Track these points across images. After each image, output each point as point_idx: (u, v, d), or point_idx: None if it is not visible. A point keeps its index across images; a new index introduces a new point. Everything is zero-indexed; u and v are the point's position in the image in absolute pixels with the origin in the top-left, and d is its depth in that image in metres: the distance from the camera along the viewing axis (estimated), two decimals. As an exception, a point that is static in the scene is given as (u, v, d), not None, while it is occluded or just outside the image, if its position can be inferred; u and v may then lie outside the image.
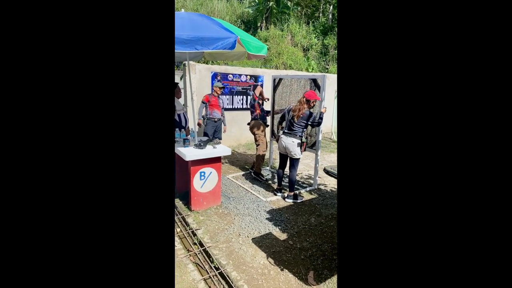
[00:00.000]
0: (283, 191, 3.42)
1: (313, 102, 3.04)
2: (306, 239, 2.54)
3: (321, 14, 12.23)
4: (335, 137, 6.66)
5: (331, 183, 3.88)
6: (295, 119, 2.98)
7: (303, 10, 12.25)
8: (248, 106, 4.06)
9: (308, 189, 3.61)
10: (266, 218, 2.85)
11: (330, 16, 12.12)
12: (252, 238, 2.51)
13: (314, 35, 11.30)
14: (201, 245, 2.41)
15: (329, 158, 5.14)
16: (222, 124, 4.17)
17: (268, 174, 4.11)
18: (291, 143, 3.04)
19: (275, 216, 2.91)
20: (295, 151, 3.04)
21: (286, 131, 3.11)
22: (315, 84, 3.44)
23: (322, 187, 3.72)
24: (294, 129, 3.04)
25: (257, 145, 3.97)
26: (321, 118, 3.10)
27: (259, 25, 10.85)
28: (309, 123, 3.03)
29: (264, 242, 2.46)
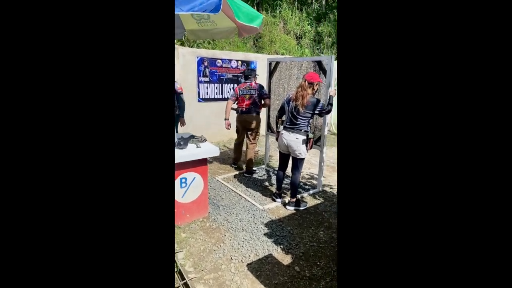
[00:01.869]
0: (283, 195, 2.80)
1: (316, 85, 2.39)
2: (316, 262, 1.94)
3: (314, 0, 11.46)
4: (334, 129, 6.07)
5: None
6: (300, 108, 2.33)
7: (295, -4, 11.45)
8: (254, 94, 3.19)
9: (311, 192, 2.99)
10: (264, 234, 2.23)
11: (324, 2, 11.37)
12: (248, 264, 1.90)
13: (307, 22, 10.58)
14: (182, 276, 1.78)
15: (331, 153, 4.53)
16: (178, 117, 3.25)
17: (264, 175, 3.47)
18: (295, 140, 2.39)
19: (275, 230, 2.29)
20: (300, 150, 2.40)
21: (287, 125, 2.46)
22: (320, 67, 2.78)
23: (327, 189, 3.12)
24: (298, 122, 2.39)
25: (252, 143, 3.32)
26: (330, 104, 2.45)
27: (250, 11, 10.04)
28: (317, 112, 2.38)
29: (263, 270, 1.85)
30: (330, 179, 3.39)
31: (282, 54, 8.26)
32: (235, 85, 4.87)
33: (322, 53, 9.78)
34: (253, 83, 3.20)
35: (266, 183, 3.21)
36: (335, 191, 3.06)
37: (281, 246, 2.09)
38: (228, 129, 3.24)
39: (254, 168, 3.48)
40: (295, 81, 3.06)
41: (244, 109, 3.21)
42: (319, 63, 2.78)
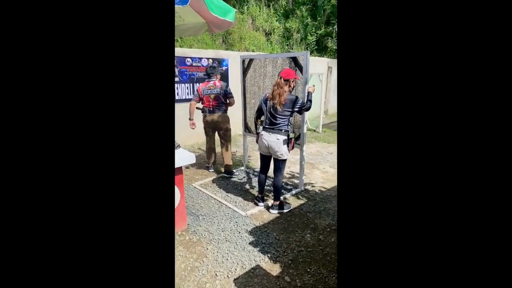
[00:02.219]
0: (265, 198, 2.67)
1: (293, 82, 2.28)
2: (306, 269, 1.83)
3: (281, -3, 11.39)
4: (310, 125, 6.05)
5: (318, 181, 3.22)
6: (278, 107, 2.20)
7: (262, -8, 11.32)
8: (219, 93, 3.06)
9: (294, 192, 2.89)
10: (249, 243, 2.09)
11: (290, -1, 11.36)
12: (235, 279, 1.74)
13: (276, 19, 10.53)
14: (162, 301, 1.58)
15: (308, 149, 4.48)
16: None
17: (244, 177, 3.32)
18: (276, 141, 2.26)
19: (260, 237, 2.15)
20: (282, 151, 2.28)
21: (267, 126, 2.32)
22: (296, 64, 2.67)
23: (309, 187, 3.04)
24: (278, 122, 2.26)
25: (226, 141, 3.16)
26: (310, 101, 2.35)
27: (217, 7, 9.73)
28: (296, 109, 2.27)
29: (251, 284, 1.70)
30: (311, 177, 3.32)
31: (253, 51, 8.12)
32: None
33: (292, 49, 9.78)
34: (216, 82, 3.06)
35: (247, 186, 3.06)
36: (317, 189, 2.99)
37: (268, 255, 1.95)
38: (193, 128, 3.12)
39: (233, 170, 3.32)
40: (271, 79, 2.92)
41: (210, 109, 3.07)
42: (294, 60, 2.67)
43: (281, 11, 11.19)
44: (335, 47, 10.22)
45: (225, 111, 3.13)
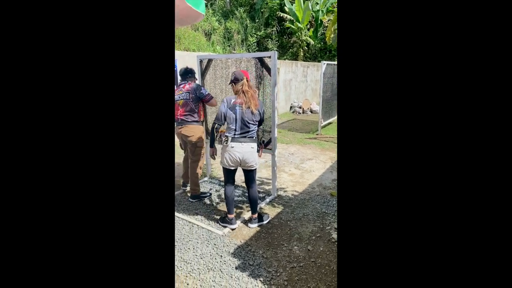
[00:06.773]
0: (240, 211, 2.40)
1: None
2: None
3: (218, -3, 11.08)
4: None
5: (289, 185, 3.09)
6: (254, 110, 1.96)
7: (198, -9, 10.83)
8: (188, 98, 2.50)
9: (268, 200, 2.70)
10: (236, 268, 1.80)
11: (228, 0, 11.15)
12: (230, 318, 1.45)
13: (215, 19, 10.21)
14: None
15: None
16: None
17: (210, 189, 2.97)
18: (251, 151, 2.01)
19: (246, 259, 1.89)
20: (256, 160, 2.04)
21: (238, 135, 2.02)
22: (262, 64, 2.47)
23: (281, 192, 2.88)
24: (251, 129, 2.01)
25: (194, 160, 2.63)
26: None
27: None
28: (263, 113, 2.08)
29: (251, 320, 1.44)
30: (280, 181, 3.18)
31: (193, 51, 7.67)
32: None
33: (234, 50, 9.60)
34: (186, 85, 2.51)
35: (217, 199, 2.73)
36: (290, 194, 2.86)
37: (261, 279, 1.71)
38: None
39: (202, 192, 2.77)
40: (234, 81, 2.66)
41: (178, 120, 2.52)
42: (261, 60, 2.46)
43: (220, 12, 10.90)
44: (275, 48, 10.41)
45: (197, 121, 2.55)
